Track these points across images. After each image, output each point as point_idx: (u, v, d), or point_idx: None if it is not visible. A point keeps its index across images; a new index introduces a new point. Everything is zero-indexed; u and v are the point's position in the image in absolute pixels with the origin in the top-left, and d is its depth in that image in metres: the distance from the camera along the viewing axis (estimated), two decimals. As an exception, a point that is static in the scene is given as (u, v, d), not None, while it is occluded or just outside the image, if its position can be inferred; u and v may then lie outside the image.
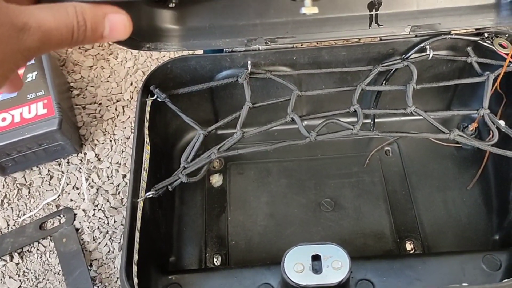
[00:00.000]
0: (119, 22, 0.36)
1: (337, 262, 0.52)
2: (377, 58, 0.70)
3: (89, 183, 0.83)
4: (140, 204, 0.59)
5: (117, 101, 0.91)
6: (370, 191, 0.75)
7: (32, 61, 0.84)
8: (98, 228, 0.80)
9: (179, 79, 0.71)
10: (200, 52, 0.72)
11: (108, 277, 0.75)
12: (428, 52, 0.69)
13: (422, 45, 0.68)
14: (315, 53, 0.70)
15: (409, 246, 0.69)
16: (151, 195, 0.60)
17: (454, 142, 0.79)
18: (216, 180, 0.78)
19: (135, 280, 0.53)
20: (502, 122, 0.61)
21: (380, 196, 0.74)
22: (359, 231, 0.71)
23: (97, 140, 0.88)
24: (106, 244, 0.78)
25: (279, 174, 0.78)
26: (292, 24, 0.68)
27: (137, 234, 0.57)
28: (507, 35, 0.68)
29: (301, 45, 0.70)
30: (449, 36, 0.68)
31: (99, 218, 0.81)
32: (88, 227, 0.80)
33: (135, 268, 0.54)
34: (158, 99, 0.67)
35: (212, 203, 0.76)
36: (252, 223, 0.73)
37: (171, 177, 0.61)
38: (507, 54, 0.67)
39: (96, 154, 0.86)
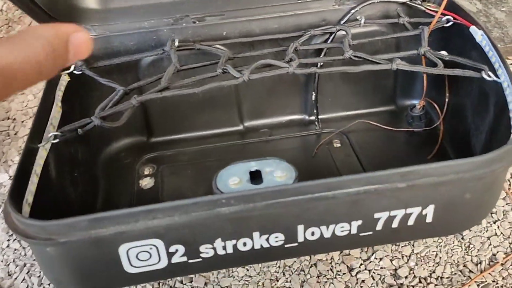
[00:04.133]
0: (82, 42, 0.30)
1: (280, 173, 0.43)
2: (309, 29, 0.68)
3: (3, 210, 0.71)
4: (42, 153, 0.49)
5: (34, 115, 0.83)
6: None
7: None
8: (13, 261, 0.67)
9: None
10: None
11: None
12: (359, 19, 0.67)
13: (352, 12, 0.67)
14: (246, 27, 0.67)
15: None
16: (56, 140, 0.50)
17: (405, 126, 0.74)
18: (147, 182, 0.69)
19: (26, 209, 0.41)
20: (444, 52, 0.58)
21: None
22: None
23: (11, 160, 0.78)
24: (24, 279, 0.65)
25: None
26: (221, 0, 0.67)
27: (35, 178, 0.46)
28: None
29: (231, 20, 0.67)
30: (377, 0, 0.67)
31: (15, 249, 0.69)
32: (1, 261, 0.67)
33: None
34: (75, 71, 0.61)
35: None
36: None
37: (82, 120, 0.52)
38: (436, 11, 0.66)
39: (10, 177, 0.76)
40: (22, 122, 0.83)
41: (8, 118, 0.84)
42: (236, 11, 0.67)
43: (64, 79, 0.60)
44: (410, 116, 0.73)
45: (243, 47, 0.67)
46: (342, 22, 0.68)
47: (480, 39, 0.59)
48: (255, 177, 0.44)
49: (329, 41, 0.67)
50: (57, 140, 0.50)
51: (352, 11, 0.68)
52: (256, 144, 0.74)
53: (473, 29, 0.60)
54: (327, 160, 0.70)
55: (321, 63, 0.65)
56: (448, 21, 0.65)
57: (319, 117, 0.76)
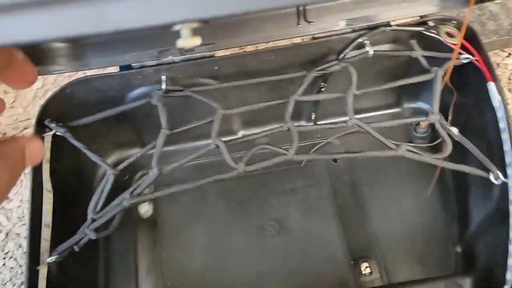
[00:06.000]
0: (36, 150, 0.34)
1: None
2: (311, 60, 0.61)
3: (-3, 228, 0.72)
4: (43, 271, 0.49)
5: (25, 128, 0.79)
6: (318, 207, 0.67)
7: None
8: (10, 279, 0.69)
9: (85, 103, 0.61)
10: (110, 69, 0.61)
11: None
12: (367, 49, 0.60)
13: (360, 40, 0.60)
14: (239, 61, 0.60)
15: (365, 268, 0.62)
16: (53, 260, 0.50)
17: (409, 133, 0.72)
18: (146, 210, 0.68)
19: None
20: (455, 130, 0.53)
21: (330, 212, 0.66)
22: (310, 257, 0.63)
23: (3, 176, 0.75)
24: (23, 298, 0.68)
25: (217, 196, 0.69)
26: (209, 28, 0.58)
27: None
28: (454, 22, 0.60)
29: (223, 53, 0.60)
30: (389, 28, 0.59)
31: (11, 267, 0.70)
32: (-1, 280, 0.69)
33: None
34: (57, 133, 0.57)
35: (143, 237, 0.66)
36: (189, 258, 0.64)
37: (76, 234, 0.51)
38: (455, 44, 0.58)
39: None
40: (13, 136, 0.78)
41: (-2, 133, 0.79)
42: (228, 39, 0.59)
43: (48, 140, 0.56)
44: (412, 135, 0.70)
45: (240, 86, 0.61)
46: (347, 50, 0.60)
47: (498, 106, 0.54)
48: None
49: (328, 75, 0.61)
50: (53, 260, 0.49)
51: (360, 40, 0.60)
52: (252, 157, 0.72)
53: (491, 86, 0.55)
54: (324, 181, 0.69)
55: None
56: (465, 58, 0.59)
57: (318, 123, 0.73)
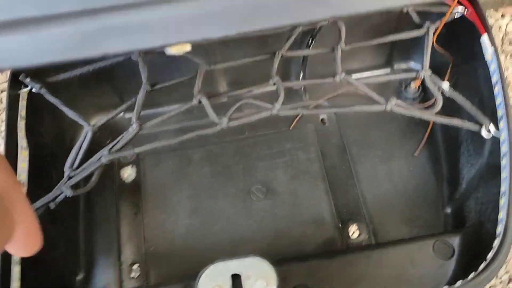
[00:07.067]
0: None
1: (262, 282, 0.43)
2: (298, 15, 0.59)
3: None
4: None
5: (2, 91, 0.76)
6: (306, 170, 0.65)
7: None
8: None
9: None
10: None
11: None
12: (357, 4, 0.58)
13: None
14: (224, 16, 0.58)
15: (353, 231, 0.61)
16: None
17: (399, 92, 0.70)
18: (128, 173, 0.67)
19: None
20: (446, 85, 0.51)
21: (318, 174, 0.65)
22: (296, 219, 0.62)
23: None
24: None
25: (202, 161, 0.67)
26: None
27: (16, 268, 0.45)
28: (446, -25, 0.58)
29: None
30: None
31: None
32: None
33: None
34: (33, 89, 0.54)
35: (125, 202, 0.64)
36: (173, 223, 0.62)
37: (52, 191, 0.49)
38: (450, -1, 0.56)
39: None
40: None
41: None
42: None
43: (24, 97, 0.54)
44: (403, 96, 0.68)
45: (225, 42, 0.59)
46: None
47: (490, 59, 0.52)
48: (237, 278, 0.43)
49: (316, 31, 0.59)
50: None
51: (349, -7, 0.57)
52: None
53: (484, 40, 0.53)
54: (312, 144, 0.67)
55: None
56: (457, 13, 0.56)
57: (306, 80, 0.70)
